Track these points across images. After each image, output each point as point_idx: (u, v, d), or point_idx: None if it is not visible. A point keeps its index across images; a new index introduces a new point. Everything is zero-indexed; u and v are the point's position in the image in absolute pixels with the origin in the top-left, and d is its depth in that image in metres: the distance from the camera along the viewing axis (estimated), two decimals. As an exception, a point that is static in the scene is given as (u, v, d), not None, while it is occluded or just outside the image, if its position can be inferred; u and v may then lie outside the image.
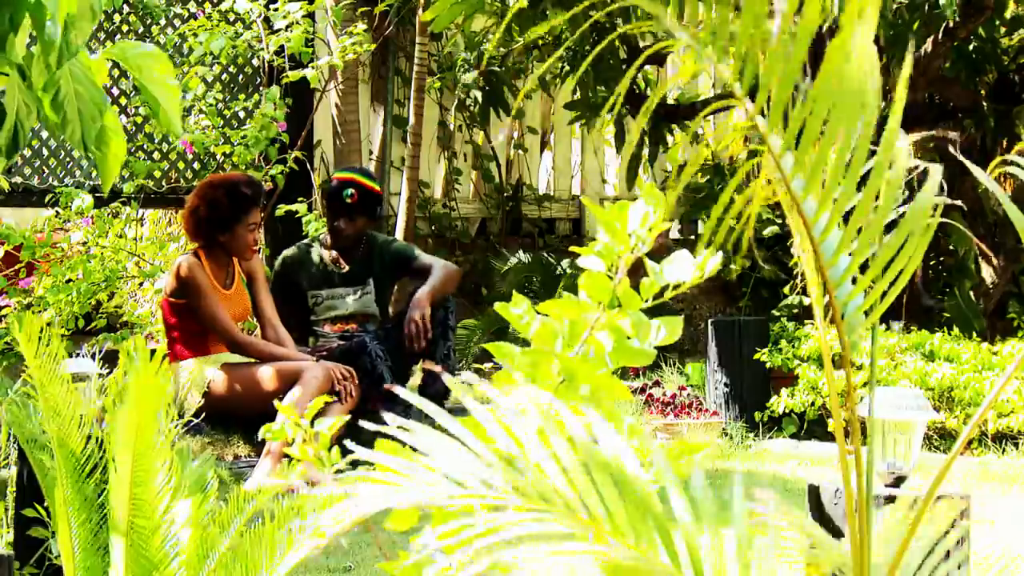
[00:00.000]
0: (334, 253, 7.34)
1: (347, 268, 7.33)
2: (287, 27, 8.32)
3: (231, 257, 6.85)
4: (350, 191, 7.20)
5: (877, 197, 1.62)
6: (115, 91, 8.53)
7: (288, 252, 7.44)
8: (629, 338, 2.18)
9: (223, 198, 6.71)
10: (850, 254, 1.69)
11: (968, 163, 2.02)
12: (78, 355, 6.12)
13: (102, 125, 3.05)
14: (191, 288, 6.64)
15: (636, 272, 2.33)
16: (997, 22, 8.60)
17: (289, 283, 7.33)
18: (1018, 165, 2.09)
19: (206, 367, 6.69)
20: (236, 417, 6.75)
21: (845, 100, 1.58)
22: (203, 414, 6.61)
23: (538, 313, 2.20)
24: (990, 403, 2.00)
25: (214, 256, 6.79)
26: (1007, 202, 2.13)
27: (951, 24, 8.05)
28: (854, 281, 1.73)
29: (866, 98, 1.61)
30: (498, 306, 2.14)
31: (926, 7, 7.21)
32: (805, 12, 1.54)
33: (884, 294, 1.65)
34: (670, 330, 2.17)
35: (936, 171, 1.67)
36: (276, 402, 2.52)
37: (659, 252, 2.30)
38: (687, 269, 2.26)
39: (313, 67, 8.21)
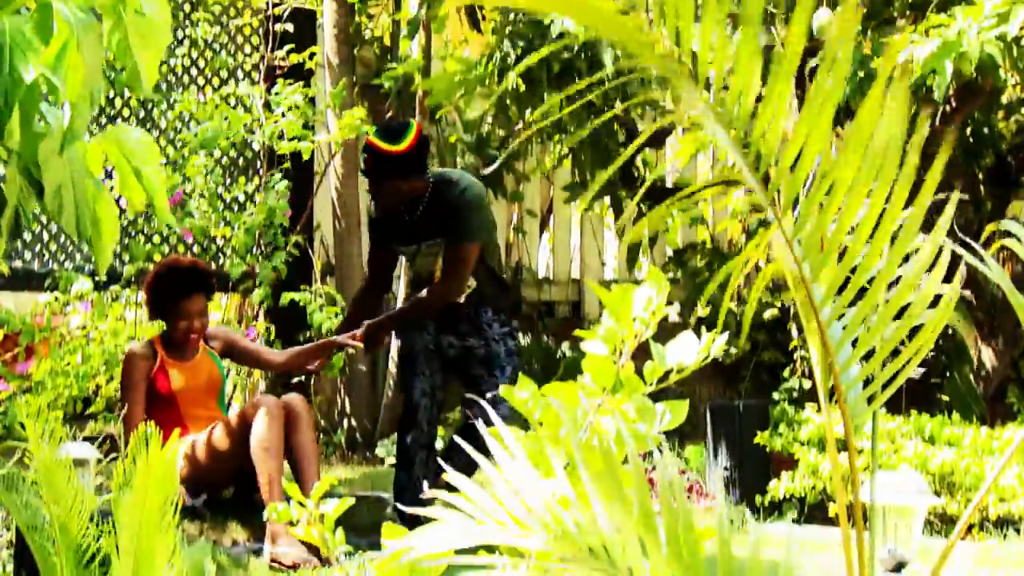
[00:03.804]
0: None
1: (410, 220, 6.51)
2: (286, 111, 8.37)
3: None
4: (364, 155, 6.28)
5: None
6: (116, 175, 8.55)
7: (370, 209, 6.67)
8: (633, 423, 2.17)
9: (165, 280, 6.68)
10: (854, 343, 1.69)
11: (971, 244, 2.03)
12: (77, 439, 6.10)
13: (95, 210, 3.07)
14: (122, 376, 6.67)
15: (639, 355, 2.32)
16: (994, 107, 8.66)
17: (378, 235, 6.62)
18: (1016, 237, 2.09)
19: (181, 447, 6.64)
20: (221, 483, 6.65)
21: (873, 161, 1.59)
22: (201, 496, 6.56)
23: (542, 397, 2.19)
24: (989, 488, 1.99)
25: (174, 331, 6.76)
26: (1008, 285, 2.13)
27: (947, 109, 8.09)
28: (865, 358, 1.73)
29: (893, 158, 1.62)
30: (503, 390, 2.13)
31: (923, 90, 7.26)
32: (834, 78, 1.55)
33: (893, 378, 1.66)
34: (675, 414, 2.16)
35: (945, 254, 1.68)
36: (285, 483, 2.51)
37: (658, 336, 2.29)
38: (691, 351, 2.25)
39: (310, 142, 8.26)
